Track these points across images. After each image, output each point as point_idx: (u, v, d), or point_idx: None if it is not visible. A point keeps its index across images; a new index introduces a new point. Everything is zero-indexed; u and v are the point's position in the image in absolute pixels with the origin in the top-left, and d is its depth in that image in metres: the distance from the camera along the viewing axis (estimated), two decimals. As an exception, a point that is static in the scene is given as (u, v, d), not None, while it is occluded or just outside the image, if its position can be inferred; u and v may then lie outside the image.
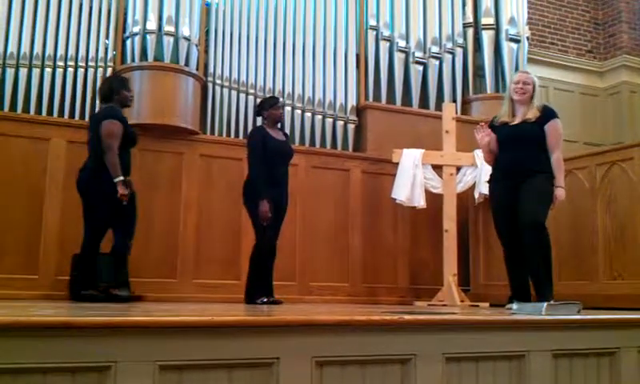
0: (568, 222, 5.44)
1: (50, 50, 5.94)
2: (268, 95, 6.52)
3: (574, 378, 2.81)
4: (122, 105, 5.11)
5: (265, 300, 4.99)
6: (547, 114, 4.49)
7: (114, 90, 5.06)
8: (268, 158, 5.15)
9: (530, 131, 4.45)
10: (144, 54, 6.09)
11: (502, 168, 4.59)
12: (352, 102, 6.95)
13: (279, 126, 5.51)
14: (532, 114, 4.47)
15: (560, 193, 4.40)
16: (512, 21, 7.56)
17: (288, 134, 5.83)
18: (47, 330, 1.90)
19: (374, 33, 7.18)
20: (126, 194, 4.80)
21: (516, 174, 4.45)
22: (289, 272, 6.21)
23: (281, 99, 5.77)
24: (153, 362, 2.00)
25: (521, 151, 4.46)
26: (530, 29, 8.09)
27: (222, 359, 2.11)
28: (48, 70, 5.91)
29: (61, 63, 5.96)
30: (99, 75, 6.04)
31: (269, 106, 5.36)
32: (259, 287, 5.08)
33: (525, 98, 4.54)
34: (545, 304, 3.06)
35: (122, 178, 4.80)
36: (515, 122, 4.54)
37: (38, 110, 5.86)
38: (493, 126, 4.70)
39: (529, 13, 8.05)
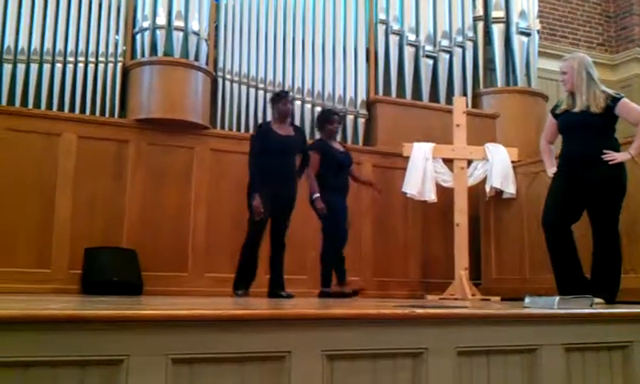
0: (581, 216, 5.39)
1: (60, 46, 5.96)
2: (278, 89, 6.53)
3: (587, 372, 2.79)
4: (328, 137, 5.71)
5: (240, 293, 5.09)
6: (612, 101, 4.28)
7: (319, 125, 5.82)
8: (269, 153, 5.19)
9: (591, 120, 4.27)
10: (154, 49, 6.10)
11: (563, 157, 4.47)
12: (362, 96, 6.94)
13: (289, 120, 5.53)
14: (597, 104, 4.27)
15: (623, 155, 4.22)
16: (522, 14, 7.52)
17: (299, 126, 5.87)
18: (58, 324, 1.90)
19: (384, 27, 7.16)
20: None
21: (576, 163, 4.33)
22: (300, 266, 6.21)
23: (290, 94, 5.82)
24: (165, 356, 2.00)
25: (580, 140, 4.32)
26: (541, 22, 8.04)
27: (234, 353, 2.11)
28: (58, 66, 5.93)
29: (71, 58, 5.98)
30: (109, 70, 6.05)
31: (277, 101, 5.42)
32: (243, 278, 5.19)
33: (569, 87, 4.40)
34: (557, 298, 3.04)
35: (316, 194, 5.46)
36: (575, 110, 4.36)
37: (49, 106, 5.88)
38: (554, 113, 4.58)
39: (539, 6, 8.00)
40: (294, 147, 5.39)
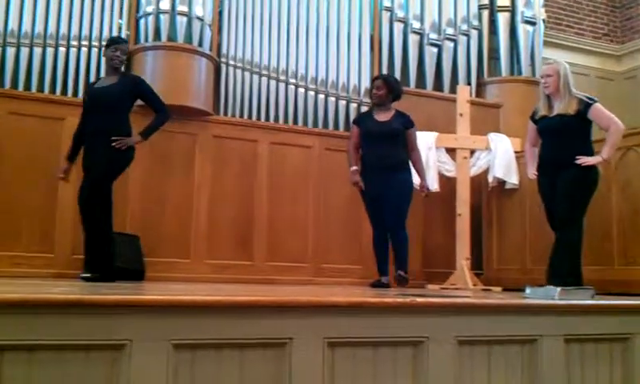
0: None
1: (63, 29, 5.93)
2: (282, 76, 6.52)
3: (586, 364, 2.81)
4: (375, 104, 5.55)
5: (82, 275, 4.51)
6: (585, 104, 4.52)
7: None
8: (86, 109, 4.74)
9: (566, 124, 4.50)
10: (157, 34, 6.08)
11: (542, 160, 4.70)
12: (365, 83, 6.92)
13: (120, 70, 4.78)
14: (571, 108, 4.50)
15: (595, 159, 4.45)
16: (528, 3, 7.48)
17: (131, 74, 5.35)
18: (63, 308, 1.92)
19: (389, 14, 7.12)
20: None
21: (552, 167, 4.56)
22: (301, 254, 6.24)
23: (125, 41, 4.94)
24: (167, 341, 2.02)
25: (557, 144, 4.55)
26: (546, 11, 7.99)
27: (236, 338, 2.13)
28: (62, 50, 5.90)
29: (74, 43, 5.96)
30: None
31: (106, 48, 4.73)
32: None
33: (551, 90, 4.60)
34: (558, 289, 3.06)
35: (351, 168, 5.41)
36: (553, 114, 4.59)
37: (52, 90, 5.87)
38: (533, 119, 4.79)
39: (545, -6, 7.96)
40: (109, 98, 4.61)
